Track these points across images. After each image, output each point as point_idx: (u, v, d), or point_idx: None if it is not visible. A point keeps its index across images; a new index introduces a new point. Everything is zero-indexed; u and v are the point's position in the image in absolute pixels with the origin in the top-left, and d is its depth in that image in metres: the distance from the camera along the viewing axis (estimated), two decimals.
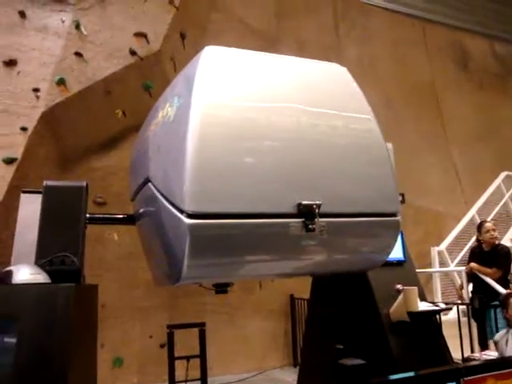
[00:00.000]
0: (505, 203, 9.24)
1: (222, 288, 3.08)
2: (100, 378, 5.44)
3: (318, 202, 2.25)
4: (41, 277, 1.69)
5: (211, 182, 2.10)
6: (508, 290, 4.51)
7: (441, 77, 10.05)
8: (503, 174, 9.48)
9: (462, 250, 8.16)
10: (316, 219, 2.23)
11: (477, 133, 9.90)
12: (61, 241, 1.96)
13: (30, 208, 2.56)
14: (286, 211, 2.22)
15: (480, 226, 5.21)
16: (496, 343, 3.44)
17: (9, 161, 4.79)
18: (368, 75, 8.72)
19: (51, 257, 1.79)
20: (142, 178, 2.84)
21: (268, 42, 7.68)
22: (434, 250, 8.03)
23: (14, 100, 4.86)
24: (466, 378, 1.53)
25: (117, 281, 5.87)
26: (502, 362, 1.94)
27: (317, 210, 2.24)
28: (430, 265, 8.12)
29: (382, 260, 2.83)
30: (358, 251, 2.66)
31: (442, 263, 7.94)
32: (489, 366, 1.74)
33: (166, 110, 2.67)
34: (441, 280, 7.87)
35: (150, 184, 2.63)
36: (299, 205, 2.21)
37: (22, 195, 2.69)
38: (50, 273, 1.73)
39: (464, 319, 4.93)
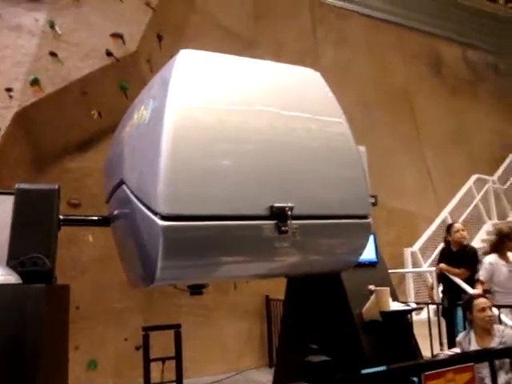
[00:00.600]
0: (476, 205, 9.47)
1: (196, 289, 3.10)
2: (75, 380, 5.42)
3: (290, 205, 2.29)
4: (12, 278, 1.69)
5: (185, 185, 2.12)
6: (474, 291, 4.64)
7: (415, 81, 10.27)
8: (474, 177, 9.73)
9: (434, 250, 8.33)
10: (288, 221, 2.28)
11: (449, 136, 10.16)
12: (32, 242, 1.96)
13: (1, 209, 2.54)
14: (259, 213, 2.26)
15: (450, 227, 5.35)
16: (459, 343, 3.55)
17: None
18: (344, 79, 8.85)
19: (23, 258, 1.79)
20: (117, 180, 2.84)
21: (246, 44, 7.73)
22: (407, 251, 8.19)
23: None
24: (426, 373, 1.60)
25: (91, 282, 5.82)
26: (461, 358, 2.03)
27: (289, 212, 2.29)
28: (403, 265, 8.27)
29: (354, 261, 2.89)
30: (330, 252, 2.71)
31: (415, 264, 8.10)
32: (448, 361, 1.82)
33: (141, 112, 2.68)
34: (414, 280, 8.02)
35: (124, 186, 2.64)
36: (272, 207, 2.26)
37: None
38: (21, 274, 1.73)
39: (435, 319, 5.06)
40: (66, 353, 1.86)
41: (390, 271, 5.03)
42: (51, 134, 5.46)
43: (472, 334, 3.50)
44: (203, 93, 2.39)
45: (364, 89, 9.16)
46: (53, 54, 5.12)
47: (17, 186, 2.38)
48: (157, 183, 2.08)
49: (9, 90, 4.90)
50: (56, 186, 2.31)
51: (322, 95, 2.83)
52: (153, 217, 2.08)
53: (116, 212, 3.03)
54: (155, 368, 4.84)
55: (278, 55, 8.03)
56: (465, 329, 3.90)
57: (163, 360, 4.92)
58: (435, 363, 1.73)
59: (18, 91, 4.93)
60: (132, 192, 2.45)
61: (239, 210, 2.22)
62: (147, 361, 4.83)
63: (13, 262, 1.81)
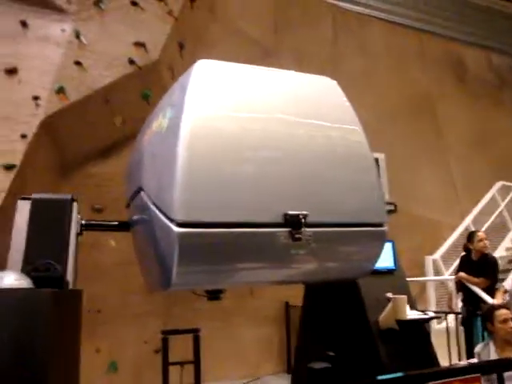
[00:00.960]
0: (500, 213, 9.29)
1: (214, 295, 3.15)
2: (95, 382, 5.52)
3: (304, 212, 2.32)
4: (25, 282, 1.77)
5: (200, 192, 2.18)
6: (494, 300, 4.56)
7: (437, 87, 10.16)
8: (499, 184, 9.56)
9: (456, 259, 8.18)
10: (302, 229, 2.30)
11: (473, 143, 10.00)
12: (46, 249, 2.04)
13: (26, 215, 2.65)
14: (273, 221, 2.29)
15: (471, 235, 5.27)
16: (478, 354, 3.48)
17: (8, 167, 4.87)
18: (365, 86, 8.83)
19: (36, 264, 1.88)
20: (136, 187, 2.92)
21: (266, 52, 7.79)
22: (429, 259, 8.08)
23: (14, 108, 4.94)
24: (432, 382, 1.60)
25: (113, 286, 5.92)
26: (469, 368, 2.01)
27: (303, 220, 2.31)
28: (425, 274, 8.17)
29: (369, 269, 2.89)
30: (344, 260, 2.72)
31: (437, 272, 7.99)
32: (455, 371, 1.81)
33: (159, 120, 2.76)
34: (436, 289, 7.91)
35: (142, 193, 2.71)
36: (285, 215, 2.29)
37: (19, 202, 2.76)
38: (34, 279, 1.80)
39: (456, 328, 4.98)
40: (78, 356, 1.92)
41: (409, 279, 5.00)
42: (75, 141, 5.62)
43: (491, 345, 3.43)
44: (220, 102, 2.44)
45: (385, 96, 9.10)
46: (78, 63, 5.27)
47: (33, 195, 2.48)
48: (173, 190, 2.14)
49: (36, 98, 5.06)
50: (69, 196, 2.41)
51: (338, 103, 2.85)
52: (169, 223, 2.14)
53: (135, 217, 3.11)
54: (174, 371, 4.90)
55: (299, 63, 8.08)
56: (483, 339, 3.83)
57: (182, 364, 4.98)
58: (441, 373, 1.72)
59: (45, 99, 5.08)
60: (150, 199, 2.52)
61: (253, 217, 2.26)
62: (166, 364, 4.90)
63: (27, 268, 1.89)
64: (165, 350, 4.91)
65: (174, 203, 2.12)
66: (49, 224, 2.19)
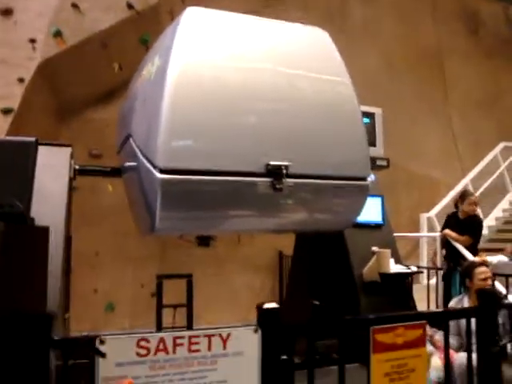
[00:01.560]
0: (501, 174, 9.25)
1: (203, 241, 3.26)
2: (93, 320, 5.79)
3: (286, 163, 2.34)
4: None
5: (183, 140, 2.22)
6: (475, 258, 4.65)
7: (447, 41, 9.83)
8: (502, 145, 9.46)
9: None
10: (283, 179, 2.33)
11: (480, 101, 9.79)
12: (10, 189, 2.14)
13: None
14: (255, 170, 2.32)
15: (464, 196, 5.30)
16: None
17: (6, 111, 4.90)
18: (372, 38, 8.61)
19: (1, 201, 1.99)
20: (125, 133, 2.96)
21: (272, 2, 7.56)
22: (423, 217, 8.16)
23: (11, 50, 4.92)
24: (375, 327, 1.70)
25: (111, 230, 6.08)
26: (415, 315, 2.11)
27: (285, 171, 2.34)
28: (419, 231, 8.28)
29: (351, 222, 2.94)
30: (325, 212, 2.76)
31: (431, 229, 8.07)
32: (399, 317, 1.91)
33: (148, 68, 2.76)
34: (429, 246, 8.02)
35: (131, 139, 2.76)
36: (267, 165, 2.32)
37: None
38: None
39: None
40: (43, 291, 2.05)
41: (399, 234, 5.08)
42: (73, 86, 5.60)
43: (466, 300, 3.54)
44: (207, 50, 2.43)
45: (392, 49, 8.88)
46: (75, 6, 5.17)
47: None
48: (157, 137, 2.18)
49: (32, 41, 5.01)
50: (33, 139, 2.48)
51: (328, 55, 2.79)
52: (152, 170, 2.19)
53: (124, 164, 3.17)
54: (168, 314, 5.12)
55: (306, 14, 7.84)
56: (460, 294, 3.95)
57: (175, 306, 5.19)
58: (385, 318, 1.82)
59: (41, 42, 5.04)
60: (137, 146, 2.57)
61: (235, 166, 2.30)
62: (160, 307, 5.12)
63: None
64: (159, 293, 5.10)
65: (157, 150, 2.16)
66: (13, 165, 2.28)
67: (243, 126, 2.37)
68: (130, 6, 5.41)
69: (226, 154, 2.29)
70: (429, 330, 2.64)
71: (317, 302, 4.11)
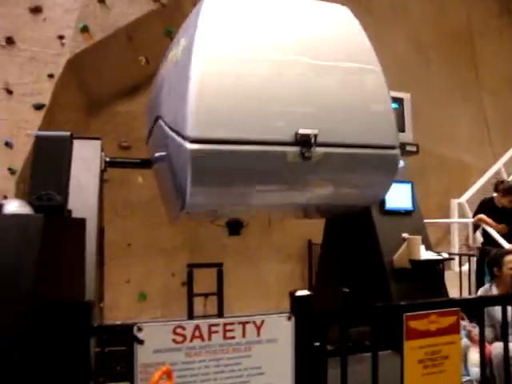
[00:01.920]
0: None
1: (234, 229, 3.26)
2: (127, 309, 5.93)
3: (315, 131, 2.33)
4: (26, 209, 1.94)
5: (212, 110, 2.24)
6: (510, 246, 4.53)
7: (479, 21, 9.51)
8: None
9: None
10: (312, 148, 2.32)
11: None
12: (48, 182, 2.21)
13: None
14: (284, 139, 2.33)
15: (509, 191, 5.06)
16: None
17: (38, 106, 5.03)
18: (399, 17, 8.41)
19: (39, 194, 2.05)
20: (154, 118, 3.01)
21: None
22: (454, 202, 7.98)
23: (41, 47, 5.03)
24: (407, 314, 1.69)
25: (142, 222, 6.20)
26: (446, 302, 2.08)
27: (314, 139, 2.33)
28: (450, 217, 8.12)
29: (379, 196, 2.89)
30: (354, 184, 2.70)
31: (462, 215, 7.91)
32: (432, 304, 1.89)
33: (173, 52, 2.81)
34: (460, 232, 7.87)
35: (159, 121, 2.79)
36: (296, 134, 2.31)
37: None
38: (38, 207, 1.98)
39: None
40: (82, 281, 2.12)
41: (429, 221, 5.00)
42: (101, 80, 5.69)
43: (494, 289, 3.46)
44: (232, 26, 2.48)
45: (421, 30, 8.65)
46: (101, 1, 5.23)
47: (35, 133, 2.62)
48: (185, 109, 2.20)
49: (61, 37, 5.11)
50: (68, 133, 2.54)
51: (350, 30, 2.78)
52: (182, 142, 2.21)
53: (154, 149, 3.21)
54: (199, 302, 5.20)
55: None
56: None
57: (206, 295, 5.27)
58: (419, 305, 1.81)
59: (70, 38, 5.13)
60: (166, 123, 2.60)
61: (264, 135, 2.31)
62: (191, 295, 5.21)
63: (31, 197, 2.07)
64: (190, 281, 5.19)
65: (186, 120, 2.19)
66: (50, 158, 2.36)
67: (272, 95, 2.37)
68: None
69: (255, 123, 2.31)
70: (467, 325, 2.62)
71: (347, 290, 4.11)
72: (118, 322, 2.23)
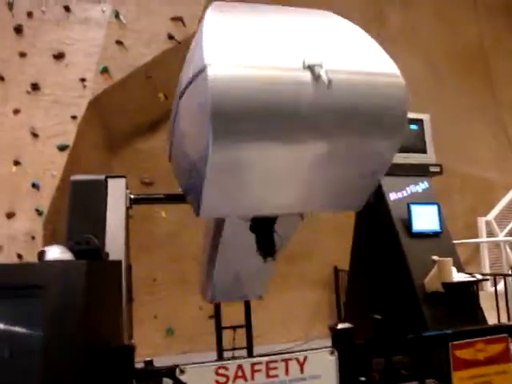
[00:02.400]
0: None
1: (267, 247, 3.18)
2: (154, 345, 5.90)
3: (323, 59, 2.32)
4: (67, 255, 1.96)
5: (226, 41, 2.25)
6: None
7: (490, 37, 9.52)
8: None
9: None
10: (322, 70, 2.28)
11: None
12: (86, 225, 2.23)
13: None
14: (295, 66, 2.30)
15: None
16: None
17: (62, 148, 5.16)
18: (412, 41, 8.47)
19: (77, 239, 2.07)
20: (174, 113, 2.98)
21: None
22: (481, 220, 7.83)
23: (64, 91, 5.20)
24: (454, 342, 1.63)
25: (166, 256, 6.22)
26: (493, 329, 2.01)
27: (322, 65, 2.30)
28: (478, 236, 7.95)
29: (393, 147, 2.76)
30: (367, 112, 2.50)
31: (491, 234, 7.74)
32: (478, 331, 1.82)
33: (184, 72, 2.84)
34: (490, 251, 7.69)
35: (178, 101, 2.68)
36: (304, 62, 2.29)
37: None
38: (76, 252, 1.99)
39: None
40: (119, 319, 2.11)
41: (458, 241, 4.91)
42: (122, 118, 5.84)
43: None
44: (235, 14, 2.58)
45: (433, 50, 8.68)
46: (119, 43, 5.41)
47: (72, 178, 2.67)
48: (201, 45, 2.18)
49: (83, 80, 5.28)
50: (103, 177, 2.57)
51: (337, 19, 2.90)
52: (201, 75, 2.13)
53: (176, 157, 3.18)
54: (228, 335, 5.15)
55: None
56: None
57: (234, 328, 5.22)
58: (463, 333, 1.75)
59: (91, 80, 5.30)
60: (182, 88, 2.49)
61: (277, 62, 2.29)
62: (219, 328, 5.16)
63: (70, 243, 2.09)
64: (217, 314, 5.16)
65: (202, 53, 2.14)
66: (87, 202, 2.38)
67: (279, 34, 2.45)
68: (170, 37, 5.60)
69: (266, 52, 2.30)
70: None
71: (379, 317, 4.02)
72: (148, 359, 2.21)
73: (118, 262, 2.30)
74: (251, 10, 2.70)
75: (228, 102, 2.18)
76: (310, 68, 2.30)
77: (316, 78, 2.29)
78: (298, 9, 2.88)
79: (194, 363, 1.58)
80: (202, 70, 2.13)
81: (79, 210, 2.35)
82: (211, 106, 2.11)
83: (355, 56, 2.54)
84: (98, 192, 2.45)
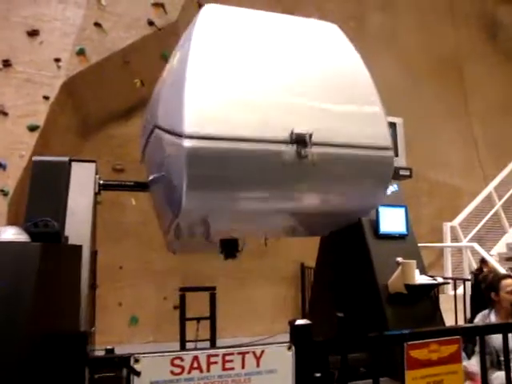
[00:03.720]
0: None
1: (230, 251, 3.21)
2: (118, 334, 5.84)
3: (310, 131, 2.32)
4: (22, 237, 1.91)
5: (208, 106, 2.21)
6: (506, 272, 4.53)
7: (466, 47, 9.75)
8: None
9: (476, 226, 8.16)
10: (308, 147, 2.30)
11: (501, 107, 9.64)
12: (45, 208, 2.17)
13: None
14: (280, 137, 2.31)
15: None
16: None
17: (32, 128, 5.03)
18: (390, 45, 8.58)
19: (35, 220, 2.02)
20: (149, 130, 2.95)
21: (287, 10, 7.59)
22: (447, 226, 8.03)
23: (37, 69, 5.05)
24: (409, 342, 1.67)
25: (134, 244, 6.15)
26: (447, 330, 2.07)
27: (309, 139, 2.31)
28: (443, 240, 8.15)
29: (376, 202, 2.85)
30: (350, 187, 2.65)
31: (455, 239, 7.95)
32: (433, 333, 1.88)
33: (169, 65, 2.83)
34: (453, 256, 7.89)
35: (156, 130, 2.72)
36: (292, 132, 2.29)
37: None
38: (33, 234, 1.94)
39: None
40: (77, 306, 2.07)
41: (423, 245, 5.01)
42: (96, 103, 5.72)
43: (493, 316, 3.43)
44: (225, 33, 2.55)
45: (411, 55, 8.83)
46: (97, 25, 5.30)
47: (33, 158, 2.60)
48: (181, 107, 2.16)
49: (57, 60, 5.15)
50: (67, 159, 2.51)
51: (340, 44, 2.86)
52: (178, 141, 2.15)
53: (149, 164, 3.16)
54: (192, 326, 5.13)
55: (321, 19, 7.87)
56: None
57: (198, 320, 5.21)
58: (419, 334, 1.80)
59: (66, 61, 5.17)
60: (162, 129, 2.53)
61: (261, 133, 2.28)
62: (183, 319, 5.14)
63: (27, 224, 2.04)
64: (182, 306, 5.13)
65: (182, 118, 2.14)
66: (48, 184, 2.32)
67: (267, 93, 2.39)
68: (150, 23, 5.51)
69: (251, 121, 2.28)
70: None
71: (341, 314, 4.08)
72: (110, 347, 2.19)
73: (78, 247, 2.26)
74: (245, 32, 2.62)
75: (202, 177, 2.19)
76: (297, 142, 2.27)
77: (301, 156, 2.27)
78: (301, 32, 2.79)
79: (149, 353, 1.57)
80: (180, 136, 2.12)
81: (40, 192, 2.29)
82: (186, 181, 2.12)
83: (347, 124, 2.50)
84: (60, 174, 2.38)
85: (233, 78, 2.32)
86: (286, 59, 2.57)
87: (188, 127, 2.11)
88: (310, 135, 2.29)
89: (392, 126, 4.48)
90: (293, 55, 2.60)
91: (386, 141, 2.61)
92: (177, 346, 5.08)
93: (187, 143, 2.09)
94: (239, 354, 1.68)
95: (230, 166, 2.24)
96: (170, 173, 2.36)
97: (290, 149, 2.28)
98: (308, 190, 2.52)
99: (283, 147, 2.28)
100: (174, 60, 2.68)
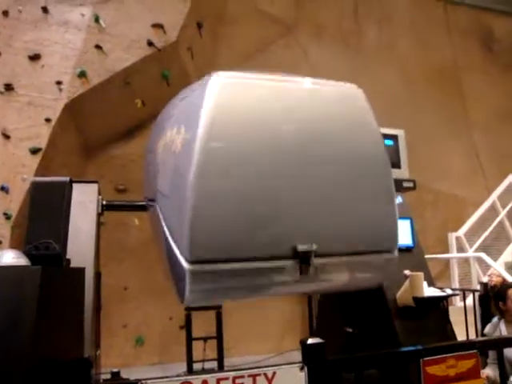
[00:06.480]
0: None
1: None
2: (123, 355, 5.77)
3: (313, 248, 2.23)
4: (22, 260, 1.88)
5: (210, 232, 2.11)
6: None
7: (464, 59, 9.82)
8: None
9: (481, 235, 8.11)
10: (311, 263, 2.23)
11: (500, 117, 9.67)
12: (46, 230, 2.14)
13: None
14: (282, 254, 2.23)
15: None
16: (488, 335, 3.41)
17: (34, 150, 5.04)
18: (388, 59, 8.65)
19: (36, 243, 1.98)
20: (151, 193, 2.86)
21: (286, 28, 7.69)
22: (452, 236, 7.98)
23: (39, 92, 5.09)
24: (425, 358, 1.64)
25: (138, 264, 6.11)
26: (463, 345, 2.02)
27: (312, 255, 2.23)
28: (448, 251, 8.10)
29: (378, 284, 2.89)
30: (351, 281, 2.61)
31: (460, 249, 7.89)
32: (449, 347, 1.83)
33: (172, 133, 2.53)
34: (459, 266, 7.82)
35: (157, 206, 2.63)
36: (295, 249, 2.21)
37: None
38: (33, 257, 1.90)
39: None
40: (81, 329, 2.03)
41: (429, 256, 4.96)
42: (98, 123, 5.74)
43: (502, 326, 3.39)
44: (233, 132, 2.23)
45: (409, 68, 8.89)
46: (98, 47, 5.35)
47: (32, 179, 2.57)
48: (183, 232, 2.08)
49: (59, 83, 5.19)
50: (67, 179, 2.48)
51: (361, 122, 2.51)
52: (180, 258, 2.12)
53: (151, 215, 3.11)
54: (198, 346, 5.07)
55: (319, 38, 7.96)
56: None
57: (205, 339, 5.15)
58: (435, 349, 1.76)
59: (67, 84, 5.22)
60: (163, 217, 2.47)
61: (263, 252, 2.20)
62: (190, 339, 5.09)
63: (27, 247, 2.00)
64: (188, 325, 5.09)
65: (184, 244, 2.08)
66: (48, 205, 2.28)
67: (268, 212, 2.22)
68: (150, 44, 5.56)
69: (251, 242, 2.18)
70: None
71: (350, 330, 4.02)
72: (115, 370, 2.13)
73: (81, 270, 2.22)
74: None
75: (203, 292, 2.17)
76: (301, 259, 2.20)
77: (304, 271, 2.22)
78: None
79: (156, 378, 1.53)
80: (182, 256, 2.07)
81: (40, 214, 2.25)
82: (188, 289, 2.08)
83: (353, 230, 2.39)
84: (60, 195, 2.35)
85: (235, 199, 2.16)
86: (292, 163, 2.28)
87: (189, 255, 2.07)
88: (314, 252, 2.21)
89: (394, 138, 4.49)
90: (300, 157, 2.30)
91: (391, 243, 2.50)
92: (183, 366, 5.01)
93: (189, 266, 2.06)
94: (250, 376, 1.63)
95: (230, 282, 2.21)
96: (172, 263, 2.25)
97: (292, 264, 2.22)
98: (309, 290, 2.51)
99: (285, 263, 2.22)
100: (180, 133, 2.38)
